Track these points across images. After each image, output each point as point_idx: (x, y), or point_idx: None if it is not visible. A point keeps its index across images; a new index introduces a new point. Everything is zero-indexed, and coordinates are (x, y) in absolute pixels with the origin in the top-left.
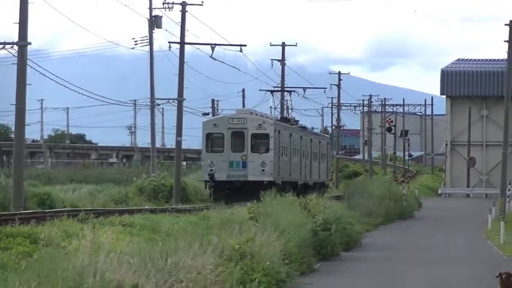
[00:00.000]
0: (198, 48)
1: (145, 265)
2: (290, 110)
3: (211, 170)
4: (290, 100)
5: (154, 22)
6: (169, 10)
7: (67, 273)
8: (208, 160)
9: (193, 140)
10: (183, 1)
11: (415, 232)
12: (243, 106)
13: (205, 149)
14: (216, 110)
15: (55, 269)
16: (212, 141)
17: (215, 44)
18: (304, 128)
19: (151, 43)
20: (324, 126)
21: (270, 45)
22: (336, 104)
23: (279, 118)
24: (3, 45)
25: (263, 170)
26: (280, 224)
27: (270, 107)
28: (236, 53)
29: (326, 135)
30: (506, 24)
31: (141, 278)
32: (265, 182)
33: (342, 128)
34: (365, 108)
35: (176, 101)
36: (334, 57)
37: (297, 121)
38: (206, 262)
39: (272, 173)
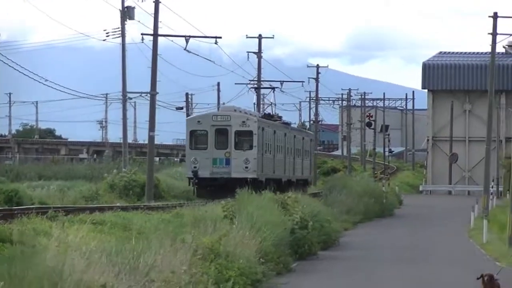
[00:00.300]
0: (171, 40)
1: (116, 264)
2: (273, 106)
3: (194, 167)
4: (273, 96)
5: (127, 13)
6: (142, 1)
7: (35, 273)
8: (191, 157)
9: (166, 135)
10: None
11: (395, 230)
12: (218, 100)
13: (188, 146)
14: (190, 104)
15: (24, 268)
16: (195, 138)
17: (189, 36)
18: (288, 124)
19: (123, 35)
20: (302, 121)
21: (246, 37)
22: (314, 98)
23: (263, 115)
24: None
25: (246, 167)
26: (256, 222)
27: (254, 104)
28: (211, 45)
29: (310, 132)
30: (490, 16)
31: (111, 278)
32: (248, 179)
33: (320, 123)
34: (344, 102)
35: (148, 95)
36: (312, 50)
37: (280, 117)
38: (179, 261)
39: (256, 170)
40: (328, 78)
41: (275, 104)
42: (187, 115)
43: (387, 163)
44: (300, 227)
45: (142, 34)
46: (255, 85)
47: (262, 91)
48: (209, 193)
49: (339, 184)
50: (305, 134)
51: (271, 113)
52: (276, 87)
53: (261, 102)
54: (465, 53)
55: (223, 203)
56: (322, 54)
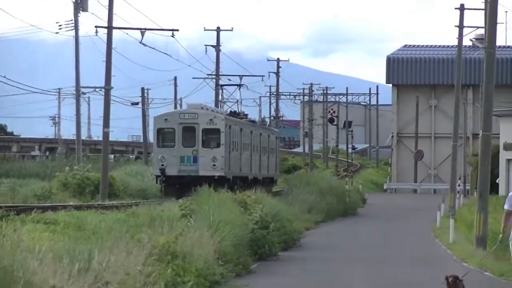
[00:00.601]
0: (127, 33)
1: (68, 265)
2: (239, 104)
3: (162, 165)
4: (239, 93)
5: (80, 4)
6: None
7: None
8: (159, 155)
9: (121, 131)
10: None
11: (358, 230)
12: (175, 94)
13: (156, 144)
14: (146, 100)
15: None
16: (163, 136)
17: (145, 29)
18: (254, 122)
19: (76, 28)
20: (262, 116)
21: (204, 30)
22: (275, 93)
23: (229, 112)
24: None
25: (214, 165)
26: (215, 222)
27: (219, 101)
28: (168, 38)
29: (275, 129)
30: (456, 8)
31: (63, 280)
32: (216, 177)
33: (281, 119)
34: (305, 97)
35: (103, 90)
36: (272, 43)
37: (246, 115)
38: (134, 262)
39: (223, 168)
40: (289, 72)
41: (241, 102)
42: (143, 111)
43: (350, 160)
44: (260, 227)
45: (96, 26)
46: (216, 81)
47: (226, 87)
48: (176, 191)
49: (301, 182)
50: (271, 132)
51: (237, 111)
52: (243, 84)
53: (223, 99)
54: (431, 46)
55: (181, 201)
56: (283, 47)
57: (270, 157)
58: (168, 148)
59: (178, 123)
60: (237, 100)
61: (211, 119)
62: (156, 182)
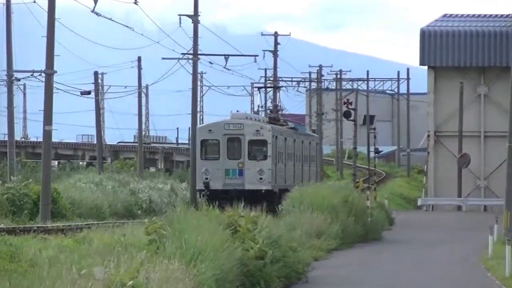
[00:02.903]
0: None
1: None
2: (279, 108)
3: (206, 179)
4: (278, 96)
5: None
6: None
7: None
8: (202, 168)
9: (68, 130)
10: None
11: (383, 261)
12: (139, 80)
13: (199, 156)
14: (100, 87)
15: None
16: (206, 148)
17: None
18: (295, 129)
19: None
20: (256, 109)
21: None
22: (272, 78)
23: (268, 118)
24: None
25: (261, 179)
26: (193, 249)
27: (258, 106)
28: (129, 6)
29: (315, 134)
30: None
31: None
32: (263, 191)
33: (280, 113)
34: (313, 84)
35: (43, 75)
36: (268, 13)
37: (286, 121)
38: None
39: (270, 181)
40: (291, 50)
41: (280, 106)
42: (97, 102)
43: (373, 168)
44: (255, 257)
45: None
46: (194, 62)
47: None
48: (221, 206)
49: (306, 198)
50: (311, 138)
51: (277, 117)
52: (282, 86)
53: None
54: (480, 16)
55: (147, 223)
56: (282, 18)
57: (311, 165)
58: (212, 161)
59: (222, 134)
60: (276, 105)
61: (257, 130)
62: (199, 197)
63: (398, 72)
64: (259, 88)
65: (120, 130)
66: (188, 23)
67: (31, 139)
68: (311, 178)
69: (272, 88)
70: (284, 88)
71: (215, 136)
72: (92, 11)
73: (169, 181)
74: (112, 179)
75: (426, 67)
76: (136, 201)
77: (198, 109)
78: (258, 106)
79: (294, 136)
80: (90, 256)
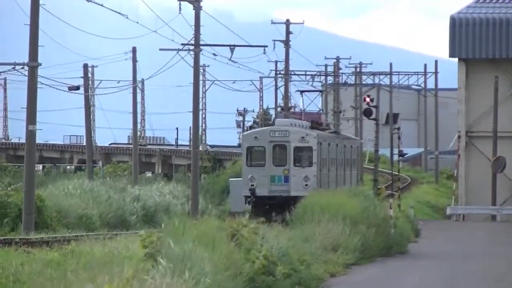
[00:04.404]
0: None
1: None
2: (322, 111)
3: (252, 185)
4: (321, 100)
5: None
6: None
7: None
8: (249, 175)
9: (55, 130)
10: None
11: (408, 278)
12: (134, 74)
13: (245, 163)
14: (90, 82)
15: None
16: (252, 154)
17: None
18: (337, 133)
19: None
20: (265, 107)
21: None
22: (283, 71)
23: (310, 123)
24: None
25: (306, 185)
26: (193, 264)
27: (301, 109)
28: None
29: (355, 137)
30: None
31: None
32: None
33: (293, 110)
34: (329, 78)
35: (26, 68)
36: None
37: (328, 125)
38: None
39: (316, 187)
40: (305, 40)
41: (322, 110)
42: (86, 98)
43: (397, 173)
44: (262, 272)
45: None
46: (195, 54)
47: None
48: (266, 212)
49: (320, 206)
50: (352, 142)
51: (319, 121)
52: (323, 90)
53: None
54: None
55: (143, 234)
56: (295, 3)
57: (352, 169)
58: (258, 167)
59: (268, 141)
60: (320, 110)
61: (302, 137)
62: (246, 203)
63: (425, 65)
64: (302, 92)
65: (112, 130)
66: (189, 10)
67: (13, 140)
68: (352, 183)
69: (319, 92)
70: (295, 81)
71: (261, 143)
72: None
73: (168, 186)
74: (104, 185)
75: (456, 59)
76: (131, 209)
77: (200, 107)
78: (301, 110)
79: (337, 141)
80: (79, 272)
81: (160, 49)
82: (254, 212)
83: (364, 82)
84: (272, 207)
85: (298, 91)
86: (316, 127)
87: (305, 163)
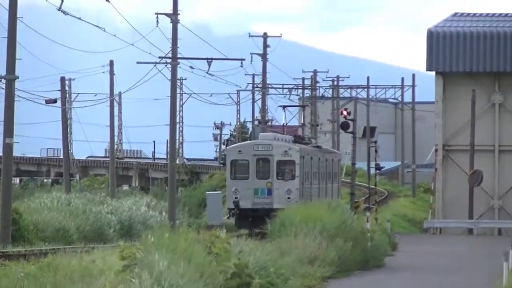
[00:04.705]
0: None
1: None
2: (304, 125)
3: (236, 198)
4: (303, 115)
5: None
6: None
7: None
8: (232, 188)
9: (32, 143)
10: None
11: None
12: (111, 87)
13: (229, 176)
14: (67, 95)
15: None
16: (236, 168)
17: None
18: (319, 147)
19: None
20: (242, 120)
21: None
22: (260, 85)
23: (294, 138)
24: None
25: (289, 198)
26: (168, 276)
27: (283, 124)
28: (101, 4)
29: (337, 151)
30: None
31: None
32: None
33: (270, 123)
34: (306, 91)
35: (3, 81)
36: (257, 11)
37: (310, 139)
38: None
39: (298, 200)
40: (283, 53)
41: (304, 125)
42: (64, 111)
43: (374, 186)
44: (238, 285)
45: None
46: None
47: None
48: (249, 224)
49: (297, 219)
50: (334, 155)
51: (301, 135)
52: (307, 105)
53: (179, 91)
54: (494, 15)
55: (122, 246)
56: (273, 17)
57: (334, 182)
58: (241, 180)
59: (252, 154)
60: (302, 124)
61: (285, 151)
62: (229, 216)
63: (402, 79)
64: (284, 107)
65: (89, 143)
66: (166, 23)
67: None
68: (333, 195)
69: (301, 107)
70: (273, 94)
71: (245, 156)
72: (59, 9)
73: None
74: (81, 198)
75: (433, 73)
76: (108, 222)
77: (177, 120)
78: (283, 125)
79: (319, 155)
80: (57, 285)
81: (138, 62)
82: (237, 224)
83: (341, 96)
84: (255, 219)
85: (280, 106)
86: (299, 141)
87: (288, 177)
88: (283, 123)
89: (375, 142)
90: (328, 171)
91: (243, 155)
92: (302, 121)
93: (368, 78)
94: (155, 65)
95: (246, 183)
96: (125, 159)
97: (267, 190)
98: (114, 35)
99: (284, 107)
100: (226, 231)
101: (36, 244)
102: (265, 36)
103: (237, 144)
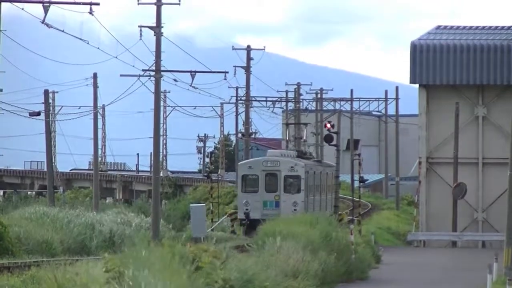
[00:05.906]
0: (22, 8)
1: None
2: (304, 142)
3: (246, 209)
4: (305, 131)
5: None
6: None
7: None
8: (243, 200)
9: (15, 156)
10: None
11: None
12: (95, 99)
13: (240, 189)
14: (51, 108)
15: None
16: (247, 182)
17: (50, 2)
18: (320, 162)
19: None
20: (226, 133)
21: (138, 4)
22: (244, 97)
23: (297, 153)
24: None
25: (295, 209)
26: None
27: (287, 140)
28: (84, 16)
29: (333, 164)
30: None
31: None
32: None
33: (253, 136)
34: (290, 104)
35: None
36: (240, 23)
37: (311, 154)
38: None
39: (303, 212)
40: (266, 66)
41: (305, 141)
42: (47, 124)
43: (357, 199)
44: None
45: None
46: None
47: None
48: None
49: (280, 232)
50: (331, 169)
51: (304, 150)
52: (309, 123)
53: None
54: (477, 28)
55: (106, 258)
56: (257, 29)
57: (331, 194)
58: (251, 194)
59: (261, 170)
60: (303, 139)
61: (292, 167)
62: (240, 225)
63: (386, 91)
64: (287, 124)
65: (73, 156)
66: (150, 36)
67: None
68: (331, 207)
69: (299, 125)
70: (256, 107)
71: (255, 171)
72: (42, 22)
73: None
74: (65, 211)
75: (417, 85)
76: (91, 235)
77: (161, 132)
78: (287, 141)
79: (320, 169)
80: None
81: (121, 75)
82: (248, 234)
83: (325, 108)
84: None
85: (284, 123)
86: (301, 156)
87: (294, 190)
88: (287, 139)
89: (359, 154)
90: (328, 184)
91: (253, 170)
92: (287, 137)
93: (351, 90)
94: (138, 78)
95: (256, 196)
96: (109, 172)
97: (275, 203)
98: (98, 48)
99: (287, 124)
100: (215, 243)
101: (19, 257)
102: (248, 49)
103: (247, 160)
